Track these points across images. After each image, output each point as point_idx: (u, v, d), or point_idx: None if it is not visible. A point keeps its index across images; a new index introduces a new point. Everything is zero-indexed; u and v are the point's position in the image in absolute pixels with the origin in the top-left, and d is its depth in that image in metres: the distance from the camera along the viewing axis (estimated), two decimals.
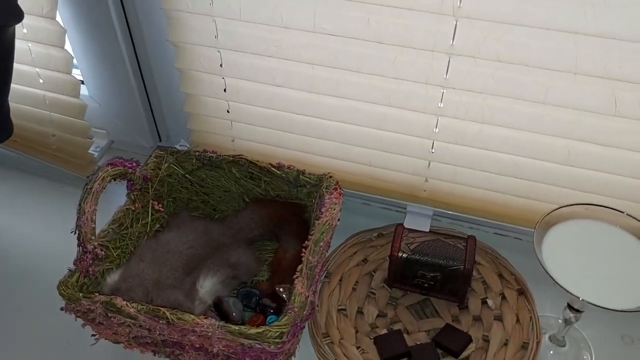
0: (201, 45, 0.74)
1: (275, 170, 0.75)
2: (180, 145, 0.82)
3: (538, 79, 0.62)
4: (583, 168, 0.68)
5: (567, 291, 0.57)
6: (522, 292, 0.74)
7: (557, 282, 0.58)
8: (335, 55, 0.68)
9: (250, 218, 0.78)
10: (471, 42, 0.61)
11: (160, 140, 0.94)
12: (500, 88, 0.64)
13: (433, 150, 0.74)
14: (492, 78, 0.63)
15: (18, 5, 0.63)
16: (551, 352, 0.70)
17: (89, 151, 0.90)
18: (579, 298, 0.56)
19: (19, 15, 0.63)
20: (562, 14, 0.56)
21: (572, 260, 0.61)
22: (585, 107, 0.62)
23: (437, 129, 0.71)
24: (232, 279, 0.73)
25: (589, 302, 0.56)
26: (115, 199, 0.75)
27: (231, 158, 0.77)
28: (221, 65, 0.75)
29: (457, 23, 0.60)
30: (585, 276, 0.59)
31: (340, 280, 0.77)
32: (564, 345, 0.70)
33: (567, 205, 0.63)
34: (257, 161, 0.76)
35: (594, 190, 0.70)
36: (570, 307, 0.64)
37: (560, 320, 0.71)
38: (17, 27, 0.66)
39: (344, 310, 0.74)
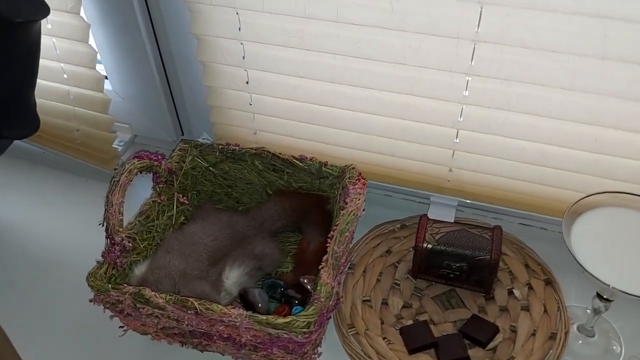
0: (224, 38, 0.74)
1: (297, 162, 0.76)
2: (203, 139, 0.83)
3: (565, 64, 0.61)
4: (610, 155, 0.67)
5: (597, 279, 0.56)
6: (549, 282, 0.73)
7: (586, 270, 0.57)
8: (358, 44, 0.67)
9: (274, 210, 0.78)
10: (497, 29, 0.60)
11: (183, 134, 0.94)
12: (526, 75, 0.63)
13: (457, 140, 0.73)
14: (518, 65, 0.62)
15: (44, 1, 0.64)
16: (580, 342, 0.69)
17: (113, 145, 0.90)
18: (609, 286, 0.56)
19: (44, 11, 0.64)
20: None
21: (601, 249, 0.60)
22: (613, 93, 0.61)
23: (461, 118, 0.70)
24: (257, 270, 0.73)
25: (619, 290, 0.56)
26: (139, 193, 0.76)
27: (254, 150, 0.77)
28: (243, 58, 0.75)
29: (482, 9, 0.60)
30: (614, 264, 0.59)
31: (364, 271, 0.77)
32: (593, 336, 0.69)
33: (596, 194, 0.62)
34: (280, 153, 0.76)
35: (622, 178, 0.68)
36: (599, 296, 0.63)
37: (588, 310, 0.71)
38: (42, 22, 0.67)
39: (369, 301, 0.74)
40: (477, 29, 0.61)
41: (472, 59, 0.64)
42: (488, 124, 0.69)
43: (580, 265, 0.57)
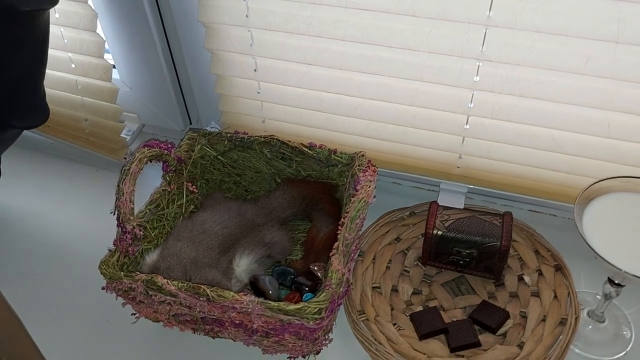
0: (232, 25, 0.74)
1: (306, 150, 0.75)
2: (211, 127, 0.83)
3: (578, 49, 0.60)
4: (623, 140, 0.67)
5: (610, 264, 0.56)
6: (559, 268, 0.73)
7: (599, 255, 0.57)
8: (367, 30, 0.67)
9: (283, 198, 0.78)
10: (509, 13, 0.60)
11: (191, 123, 0.94)
12: (538, 59, 0.62)
13: (467, 126, 0.73)
14: (530, 49, 0.62)
15: None
16: (590, 327, 0.69)
17: (121, 135, 0.91)
18: (621, 270, 0.56)
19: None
20: None
21: (613, 234, 0.60)
22: (627, 78, 0.61)
23: (472, 104, 0.70)
24: (267, 258, 0.73)
25: (631, 274, 0.55)
26: (149, 182, 0.76)
27: (262, 139, 0.77)
28: (251, 45, 0.75)
29: None
30: (626, 249, 0.58)
31: (373, 258, 0.77)
32: (604, 321, 0.69)
33: (608, 179, 0.62)
34: (288, 141, 0.76)
35: (634, 163, 0.68)
36: (611, 281, 0.63)
37: (598, 296, 0.71)
38: (50, 11, 0.67)
39: (378, 288, 0.74)
40: (489, 13, 0.60)
41: (483, 44, 0.63)
42: (499, 110, 0.69)
43: (593, 249, 0.57)
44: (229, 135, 0.78)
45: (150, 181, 0.76)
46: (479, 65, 0.66)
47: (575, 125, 0.67)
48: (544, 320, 0.68)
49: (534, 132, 0.70)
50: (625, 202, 0.62)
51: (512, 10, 0.59)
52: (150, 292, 0.61)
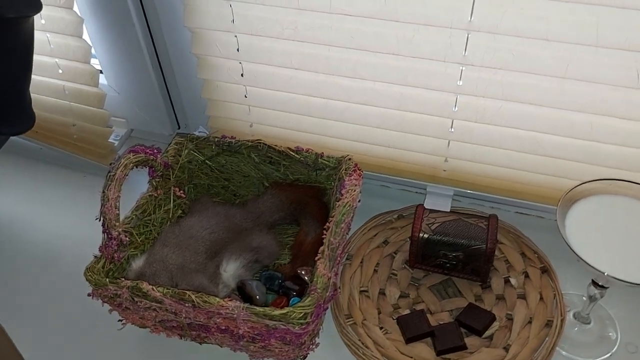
0: (218, 30, 0.74)
1: (293, 154, 0.76)
2: (199, 132, 0.83)
3: (558, 53, 0.61)
4: (605, 143, 0.67)
5: (592, 267, 0.56)
6: (546, 270, 0.74)
7: (581, 258, 0.57)
8: (352, 35, 0.67)
9: (271, 202, 0.78)
10: (490, 18, 0.60)
11: (179, 128, 0.95)
12: (520, 64, 0.63)
13: (452, 130, 0.73)
14: (512, 54, 0.62)
15: None
16: (576, 329, 0.70)
17: (109, 140, 0.91)
18: (603, 273, 0.56)
19: (37, 6, 0.64)
20: None
21: (596, 236, 0.60)
22: (606, 81, 0.62)
23: (456, 108, 0.70)
24: (254, 263, 0.74)
25: (613, 277, 0.56)
26: (136, 187, 0.76)
27: (250, 143, 0.77)
28: (238, 50, 0.75)
29: None
30: (609, 251, 0.59)
31: (361, 262, 0.77)
32: (589, 323, 0.70)
33: (590, 181, 0.62)
34: (276, 145, 0.76)
35: (617, 165, 0.69)
36: (594, 283, 0.63)
37: (584, 298, 0.71)
38: (36, 17, 0.67)
39: (366, 291, 0.74)
40: (471, 18, 0.61)
41: (465, 49, 0.64)
42: (482, 113, 0.69)
43: (575, 252, 0.58)
44: (216, 139, 0.78)
45: (138, 186, 0.76)
46: (462, 70, 0.66)
47: (558, 127, 0.68)
48: (530, 322, 0.69)
49: (517, 135, 0.70)
50: (608, 204, 0.62)
51: (493, 15, 0.60)
52: (135, 299, 0.61)
